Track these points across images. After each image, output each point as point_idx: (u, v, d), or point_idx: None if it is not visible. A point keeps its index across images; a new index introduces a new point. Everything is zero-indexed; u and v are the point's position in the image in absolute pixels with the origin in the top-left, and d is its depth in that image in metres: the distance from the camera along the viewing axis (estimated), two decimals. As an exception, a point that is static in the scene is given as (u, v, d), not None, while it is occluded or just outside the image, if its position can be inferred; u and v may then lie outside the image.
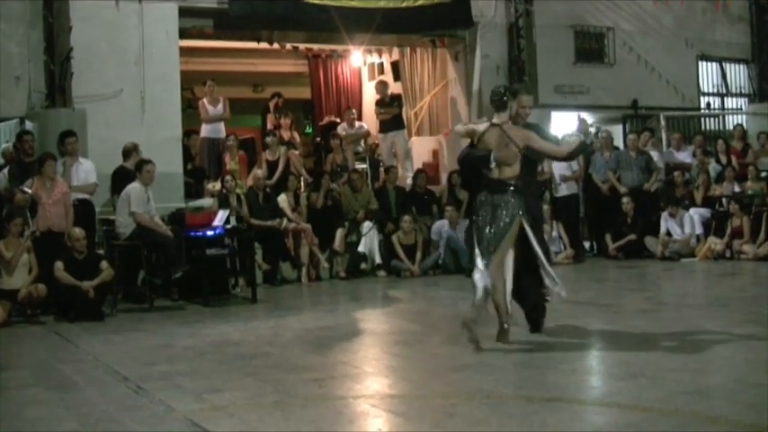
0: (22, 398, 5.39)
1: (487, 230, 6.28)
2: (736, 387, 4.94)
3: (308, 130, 17.62)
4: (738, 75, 17.22)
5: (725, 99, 17.15)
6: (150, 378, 5.73)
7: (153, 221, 9.69)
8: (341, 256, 11.85)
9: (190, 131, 12.66)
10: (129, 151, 10.57)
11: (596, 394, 5.09)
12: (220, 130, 12.73)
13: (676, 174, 13.40)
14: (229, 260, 10.47)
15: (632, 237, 12.59)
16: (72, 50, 10.93)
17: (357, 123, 14.31)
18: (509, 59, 14.28)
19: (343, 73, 16.81)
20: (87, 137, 10.62)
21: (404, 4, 13.14)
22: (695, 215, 12.63)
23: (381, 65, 16.36)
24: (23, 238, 9.03)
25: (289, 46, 14.85)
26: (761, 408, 4.42)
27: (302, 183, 13.12)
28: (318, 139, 15.33)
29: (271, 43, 14.00)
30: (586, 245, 13.54)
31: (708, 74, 16.88)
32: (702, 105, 16.74)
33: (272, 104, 14.65)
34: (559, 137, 7.02)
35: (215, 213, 10.11)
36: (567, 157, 6.94)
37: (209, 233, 9.76)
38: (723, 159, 14.00)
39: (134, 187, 9.64)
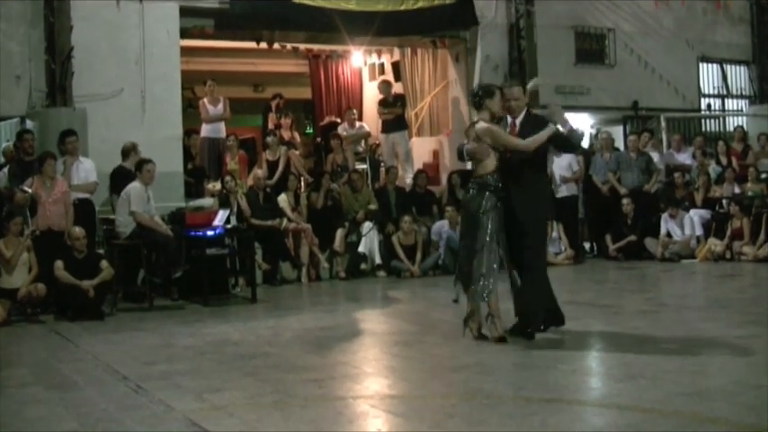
0: (22, 397, 5.39)
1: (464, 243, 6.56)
2: (736, 389, 4.94)
3: (309, 130, 17.63)
4: (739, 76, 17.24)
5: (725, 100, 17.17)
6: (150, 377, 5.73)
7: (153, 221, 9.68)
8: (341, 257, 11.84)
9: (190, 131, 12.67)
10: (127, 151, 10.56)
11: (596, 395, 5.10)
12: (221, 129, 12.75)
13: (676, 175, 13.40)
14: (229, 260, 10.47)
15: (632, 238, 12.58)
16: (73, 50, 10.93)
17: (357, 124, 14.33)
18: (509, 60, 14.30)
19: (343, 73, 16.81)
20: (88, 136, 10.62)
21: (402, 7, 13.15)
22: (695, 216, 12.62)
23: (382, 65, 16.37)
24: (23, 237, 9.03)
25: (289, 46, 14.85)
26: (761, 409, 4.43)
27: (302, 183, 13.12)
28: (319, 139, 15.34)
29: (271, 43, 14.01)
30: (586, 246, 13.54)
31: (708, 75, 16.90)
32: (703, 107, 16.76)
33: (273, 105, 14.67)
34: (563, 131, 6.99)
35: (215, 213, 10.11)
36: (536, 151, 6.61)
37: (210, 233, 9.76)
38: (723, 161, 14.01)
39: (134, 187, 9.63)
